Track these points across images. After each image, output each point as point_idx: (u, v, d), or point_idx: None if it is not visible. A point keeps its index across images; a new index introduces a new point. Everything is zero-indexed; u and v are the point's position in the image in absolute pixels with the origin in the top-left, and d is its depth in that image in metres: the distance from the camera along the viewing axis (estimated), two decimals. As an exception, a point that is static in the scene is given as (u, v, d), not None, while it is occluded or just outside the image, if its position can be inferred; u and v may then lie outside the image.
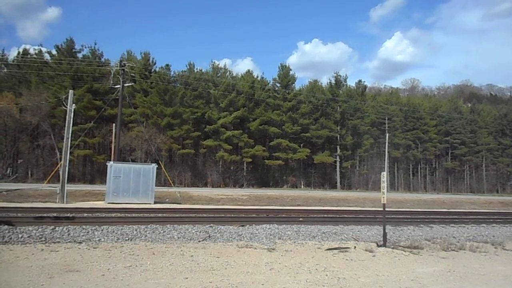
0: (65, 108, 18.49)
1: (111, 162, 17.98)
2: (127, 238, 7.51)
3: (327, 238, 8.55)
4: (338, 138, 45.62)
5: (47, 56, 39.06)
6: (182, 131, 38.63)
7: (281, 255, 6.63)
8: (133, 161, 32.46)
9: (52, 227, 7.85)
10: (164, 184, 28.66)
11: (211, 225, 9.05)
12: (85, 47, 39.01)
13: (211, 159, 41.29)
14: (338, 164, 45.41)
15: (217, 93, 40.14)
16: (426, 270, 5.92)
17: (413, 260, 6.71)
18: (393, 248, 7.64)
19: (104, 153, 36.96)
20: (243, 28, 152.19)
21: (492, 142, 52.98)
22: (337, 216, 13.21)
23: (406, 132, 49.56)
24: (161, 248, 6.77)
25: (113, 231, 7.88)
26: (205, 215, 11.99)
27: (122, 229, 8.11)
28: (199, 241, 7.60)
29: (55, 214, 10.50)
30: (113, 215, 11.26)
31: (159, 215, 11.68)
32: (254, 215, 12.58)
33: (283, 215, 12.90)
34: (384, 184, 8.29)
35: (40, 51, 39.11)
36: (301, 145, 44.03)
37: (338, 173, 45.42)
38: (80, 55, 38.67)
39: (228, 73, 45.99)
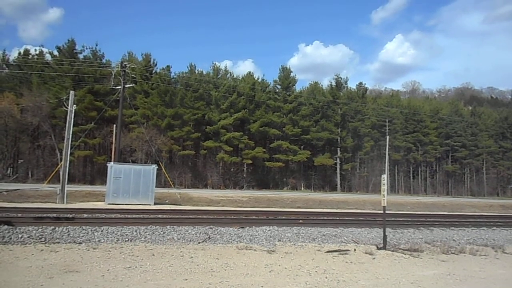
0: (66, 109, 18.53)
1: (112, 163, 18.00)
2: (127, 239, 7.51)
3: (327, 240, 8.54)
4: (339, 140, 45.62)
5: (48, 57, 39.21)
6: (183, 132, 38.67)
7: (281, 257, 6.62)
8: (134, 162, 32.47)
9: (52, 227, 7.85)
10: (164, 185, 28.65)
11: (211, 226, 9.04)
12: (86, 48, 39.19)
13: (211, 161, 41.30)
14: (338, 166, 45.39)
15: (218, 95, 40.21)
16: (426, 273, 5.91)
17: (413, 263, 6.70)
18: (393, 251, 7.63)
19: (105, 154, 36.99)
20: (244, 30, 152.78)
21: (493, 145, 52.94)
22: (337, 218, 13.19)
23: (407, 135, 49.55)
24: (160, 249, 6.77)
25: (113, 232, 7.88)
26: (205, 216, 11.97)
27: (122, 230, 8.10)
28: (199, 243, 7.59)
29: (55, 215, 10.50)
30: (113, 216, 11.25)
31: (159, 216, 11.67)
32: (254, 217, 12.56)
33: (283, 217, 12.88)
34: (384, 186, 8.29)
35: (41, 51, 39.26)
36: (302, 147, 44.03)
37: (338, 175, 45.39)
38: (81, 56, 38.82)
39: (229, 75, 46.10)
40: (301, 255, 6.87)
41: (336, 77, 49.26)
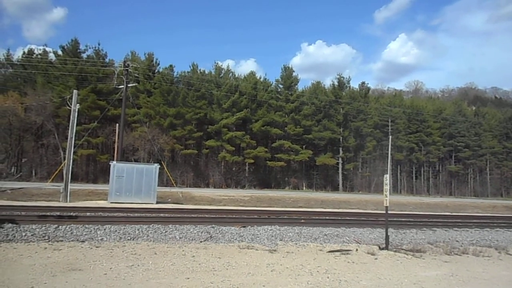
0: (69, 108, 18.63)
1: (114, 162, 18.06)
2: (129, 238, 7.54)
3: (329, 240, 8.53)
4: (341, 140, 45.51)
5: (52, 56, 39.42)
6: (185, 132, 38.75)
7: (283, 257, 6.62)
8: (136, 161, 32.58)
9: (55, 226, 7.90)
10: (167, 184, 28.73)
11: (213, 225, 9.05)
12: (90, 48, 39.34)
13: (213, 160, 41.36)
14: (340, 166, 45.29)
15: (220, 94, 40.24)
16: (429, 274, 5.89)
17: (416, 263, 6.67)
18: (395, 251, 7.60)
19: (107, 153, 37.14)
20: (247, 30, 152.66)
21: (497, 145, 52.58)
22: (339, 218, 13.16)
23: (410, 135, 49.32)
24: (163, 248, 6.80)
25: (116, 231, 7.92)
26: (207, 215, 12.00)
27: (124, 228, 8.14)
28: (201, 242, 7.61)
29: (58, 213, 10.57)
30: (115, 214, 11.30)
31: (161, 215, 11.71)
32: (255, 216, 12.57)
33: (285, 217, 12.88)
34: (386, 186, 8.26)
35: (45, 51, 39.46)
36: (304, 146, 43.97)
37: (340, 175, 45.29)
38: (84, 56, 38.97)
39: (231, 74, 46.11)
40: (303, 255, 6.87)
41: (338, 76, 49.13)
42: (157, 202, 17.56)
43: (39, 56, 38.51)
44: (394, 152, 45.31)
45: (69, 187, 17.06)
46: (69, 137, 18.06)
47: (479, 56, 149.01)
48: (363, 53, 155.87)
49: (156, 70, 41.77)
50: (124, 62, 25.65)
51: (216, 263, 5.84)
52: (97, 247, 6.60)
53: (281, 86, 46.20)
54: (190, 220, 9.94)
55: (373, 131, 46.04)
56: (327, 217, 13.33)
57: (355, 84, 51.83)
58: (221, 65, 45.86)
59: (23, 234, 7.24)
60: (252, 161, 41.06)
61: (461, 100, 67.08)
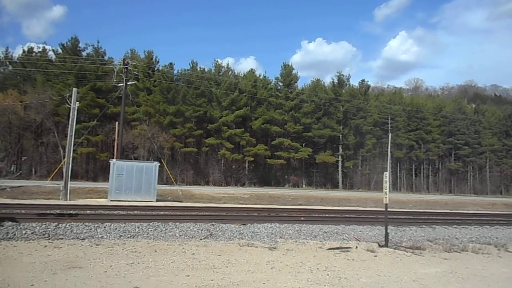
0: (69, 106, 18.59)
1: (114, 160, 18.06)
2: (129, 236, 7.55)
3: (329, 237, 8.55)
4: (340, 137, 45.49)
5: (51, 54, 39.30)
6: (185, 130, 38.71)
7: (283, 254, 6.63)
8: (136, 159, 32.58)
9: (55, 223, 7.91)
10: (166, 182, 28.74)
11: (213, 223, 9.07)
12: (89, 46, 39.22)
13: (213, 158, 41.37)
14: (340, 163, 45.31)
15: (219, 92, 40.18)
16: (428, 271, 5.90)
17: (415, 260, 6.69)
18: (395, 248, 7.62)
19: (107, 151, 37.12)
20: (247, 27, 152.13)
21: (496, 143, 52.59)
22: (339, 215, 13.19)
23: (409, 132, 49.31)
24: (163, 245, 6.80)
25: (116, 228, 7.93)
26: (206, 213, 12.01)
27: (124, 226, 8.15)
28: (201, 239, 7.62)
29: (58, 211, 10.57)
30: (115, 212, 11.31)
31: (161, 213, 11.72)
32: (255, 214, 12.58)
33: (285, 214, 12.90)
34: (386, 184, 8.27)
35: (45, 49, 39.33)
36: (303, 144, 43.96)
37: (340, 172, 45.32)
38: (84, 54, 38.86)
39: (230, 72, 46.01)
40: (303, 252, 6.88)
41: (338, 74, 49.05)
42: (157, 200, 17.57)
43: (38, 54, 38.40)
44: (394, 149, 45.32)
45: (69, 185, 17.06)
46: (68, 135, 18.04)
47: (478, 54, 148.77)
48: (363, 50, 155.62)
49: (156, 68, 41.69)
50: (124, 60, 25.54)
51: (216, 261, 5.85)
52: (97, 245, 6.61)
53: (280, 84, 46.12)
54: (190, 218, 9.95)
55: (372, 129, 46.02)
56: (326, 215, 13.36)
57: (355, 82, 51.70)
58: (221, 63, 45.85)
59: (23, 232, 7.24)
60: (252, 159, 41.07)
61: (460, 98, 67.01)
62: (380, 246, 7.72)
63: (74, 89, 18.81)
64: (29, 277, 4.57)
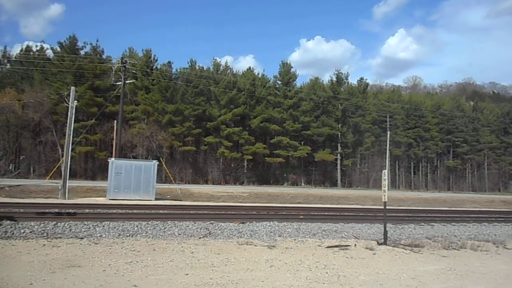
0: (67, 105, 18.52)
1: (113, 159, 18.02)
2: (128, 234, 7.54)
3: (328, 235, 8.56)
4: (339, 136, 45.53)
5: (49, 53, 39.13)
6: (183, 128, 38.66)
7: (281, 253, 6.64)
8: (134, 158, 32.54)
9: (54, 222, 7.88)
10: (165, 181, 28.71)
11: (212, 222, 9.06)
12: (87, 44, 39.05)
13: (212, 156, 41.35)
14: (339, 162, 45.37)
15: (218, 90, 40.11)
16: (427, 269, 5.92)
17: (414, 258, 6.71)
18: (393, 246, 7.64)
19: (106, 149, 37.06)
20: (245, 26, 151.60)
21: (495, 140, 52.75)
22: (338, 214, 13.21)
23: (408, 130, 49.40)
24: (162, 244, 6.80)
25: (114, 227, 7.91)
26: (205, 212, 12.01)
27: (123, 225, 8.14)
28: (200, 238, 7.62)
29: (56, 210, 10.54)
30: (114, 211, 11.29)
31: (160, 211, 11.72)
32: (254, 212, 12.59)
33: (284, 213, 12.91)
34: (385, 182, 8.28)
35: (43, 47, 39.15)
36: (302, 142, 43.98)
37: (339, 171, 45.39)
38: (82, 52, 38.70)
39: (229, 70, 45.92)
40: (302, 250, 6.89)
41: (337, 72, 49.04)
42: (156, 199, 17.56)
43: (36, 53, 38.21)
44: (393, 147, 45.39)
45: (67, 184, 17.02)
46: (67, 134, 17.98)
47: (477, 51, 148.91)
48: (362, 48, 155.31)
49: (154, 67, 41.56)
50: (122, 58, 25.43)
51: (215, 259, 5.84)
52: (96, 243, 6.60)
53: (279, 82, 46.09)
54: (189, 217, 9.94)
55: (371, 127, 46.07)
56: (325, 213, 13.39)
57: (353, 80, 51.78)
58: (220, 61, 45.75)
59: (22, 231, 7.22)
60: (250, 157, 41.07)
61: (459, 96, 67.09)
62: (379, 244, 7.73)
63: (72, 88, 18.74)
64: (28, 276, 4.56)
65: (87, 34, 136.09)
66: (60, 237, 6.99)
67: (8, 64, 38.81)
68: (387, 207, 8.43)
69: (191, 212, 11.79)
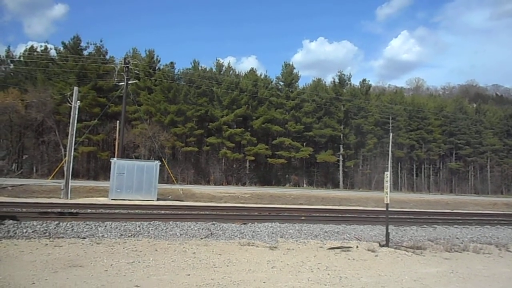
0: (70, 105, 18.61)
1: (115, 159, 18.08)
2: (130, 234, 7.56)
3: (329, 237, 8.54)
4: (341, 137, 45.45)
5: (53, 53, 39.35)
6: (186, 129, 38.73)
7: (283, 254, 6.63)
8: (137, 158, 32.61)
9: (56, 222, 7.91)
10: (167, 181, 28.77)
11: (213, 222, 9.06)
12: (91, 44, 39.23)
13: (214, 157, 41.38)
14: (341, 163, 45.27)
15: (220, 91, 40.16)
16: (429, 271, 5.89)
17: (416, 260, 6.68)
18: (395, 248, 7.61)
19: (108, 150, 37.18)
20: (248, 27, 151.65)
21: (498, 143, 52.46)
22: (340, 215, 13.18)
23: (410, 132, 49.24)
24: (163, 244, 6.81)
25: (116, 227, 7.93)
26: (207, 212, 12.02)
27: (125, 225, 8.16)
28: (201, 238, 7.63)
29: (59, 210, 10.58)
30: (116, 211, 11.32)
31: (162, 212, 11.74)
32: (256, 213, 12.59)
33: (285, 214, 12.90)
34: (387, 184, 8.25)
35: (46, 47, 39.38)
36: (304, 144, 43.94)
37: (341, 172, 45.28)
38: (86, 53, 38.86)
39: (231, 71, 45.98)
40: (303, 252, 6.88)
41: (339, 73, 48.99)
42: (158, 199, 17.59)
43: (40, 53, 38.44)
44: (395, 149, 45.26)
45: (69, 184, 17.08)
46: (69, 134, 18.06)
47: (480, 53, 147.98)
48: (365, 50, 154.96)
49: (157, 67, 41.69)
50: (125, 59, 25.57)
51: (217, 260, 5.85)
52: (98, 243, 6.61)
53: (281, 83, 46.09)
54: (190, 217, 9.95)
55: (373, 129, 45.96)
56: (327, 214, 13.35)
57: (356, 81, 51.72)
58: (222, 62, 45.81)
59: (24, 230, 7.26)
60: (252, 158, 41.07)
61: (462, 98, 66.76)
62: (381, 245, 7.71)
63: (75, 88, 18.84)
64: (30, 275, 4.58)
65: (91, 35, 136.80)
66: (62, 237, 7.02)
67: (12, 64, 39.06)
68: (389, 209, 8.40)
69: (193, 212, 11.80)
